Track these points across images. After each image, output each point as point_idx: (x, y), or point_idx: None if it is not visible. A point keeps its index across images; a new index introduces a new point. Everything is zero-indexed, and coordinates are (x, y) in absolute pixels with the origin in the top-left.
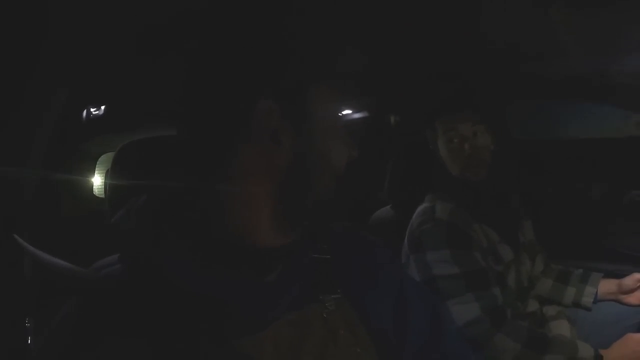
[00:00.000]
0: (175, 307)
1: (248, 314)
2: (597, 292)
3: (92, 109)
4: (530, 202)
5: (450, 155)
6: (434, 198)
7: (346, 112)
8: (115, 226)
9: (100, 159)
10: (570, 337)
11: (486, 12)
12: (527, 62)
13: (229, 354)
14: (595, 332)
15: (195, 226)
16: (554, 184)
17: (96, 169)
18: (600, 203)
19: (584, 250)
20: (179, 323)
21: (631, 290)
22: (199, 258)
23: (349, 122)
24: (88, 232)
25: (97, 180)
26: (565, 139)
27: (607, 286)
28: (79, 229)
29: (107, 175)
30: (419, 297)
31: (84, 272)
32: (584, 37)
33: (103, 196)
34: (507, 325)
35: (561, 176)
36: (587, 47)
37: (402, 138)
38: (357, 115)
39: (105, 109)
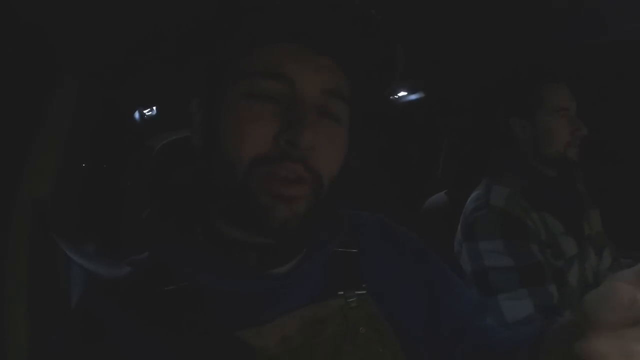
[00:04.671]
0: (179, 297)
1: (251, 305)
2: None
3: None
4: (597, 189)
5: (559, 127)
6: (490, 182)
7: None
8: (144, 221)
9: None
10: None
11: None
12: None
13: (229, 344)
14: None
15: (206, 217)
16: (624, 170)
17: None
18: None
19: None
20: (181, 312)
21: None
22: (208, 247)
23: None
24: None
25: None
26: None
27: None
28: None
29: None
30: (453, 291)
31: (114, 270)
32: None
33: None
34: None
35: (632, 161)
36: None
37: (457, 119)
38: (414, 97)
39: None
